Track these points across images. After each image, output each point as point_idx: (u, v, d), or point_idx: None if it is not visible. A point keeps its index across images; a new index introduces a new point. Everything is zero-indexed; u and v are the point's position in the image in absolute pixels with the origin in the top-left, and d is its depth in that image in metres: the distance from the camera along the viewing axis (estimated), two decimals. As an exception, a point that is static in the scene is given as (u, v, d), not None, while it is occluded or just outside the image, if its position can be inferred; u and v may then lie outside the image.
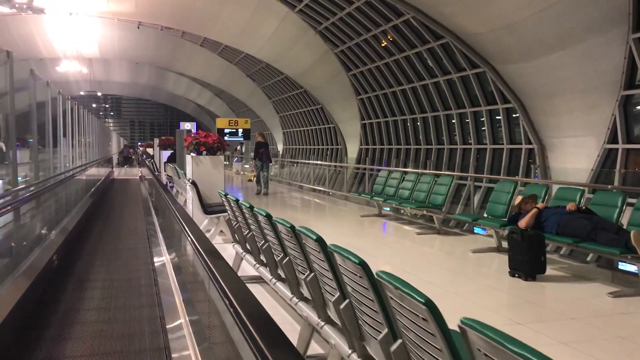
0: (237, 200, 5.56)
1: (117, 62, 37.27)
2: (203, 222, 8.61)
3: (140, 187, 19.79)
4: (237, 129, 20.62)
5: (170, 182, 16.19)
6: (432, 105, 18.22)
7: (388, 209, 12.32)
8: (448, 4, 13.57)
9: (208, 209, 8.61)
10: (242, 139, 20.75)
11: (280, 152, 35.48)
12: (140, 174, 24.93)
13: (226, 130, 20.48)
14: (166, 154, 19.74)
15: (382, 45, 18.58)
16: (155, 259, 7.53)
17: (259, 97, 34.19)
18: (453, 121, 17.59)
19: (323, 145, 28.96)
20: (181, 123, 24.11)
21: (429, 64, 17.24)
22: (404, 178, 11.48)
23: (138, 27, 26.98)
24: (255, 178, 17.84)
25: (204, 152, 9.59)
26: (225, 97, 42.22)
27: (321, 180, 21.49)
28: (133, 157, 49.89)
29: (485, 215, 8.56)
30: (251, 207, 4.88)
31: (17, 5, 15.23)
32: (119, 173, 32.28)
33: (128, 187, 21.67)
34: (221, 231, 8.64)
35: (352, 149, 25.04)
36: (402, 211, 11.86)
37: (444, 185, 9.99)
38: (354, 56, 20.54)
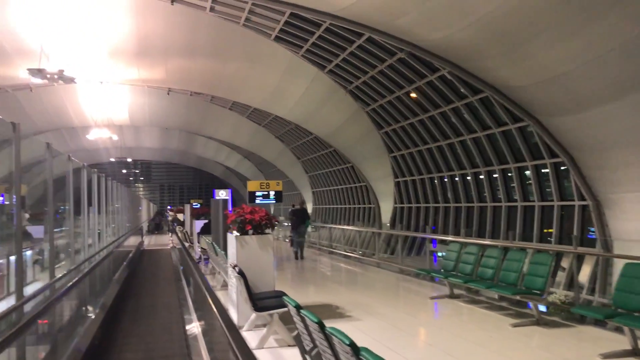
0: (299, 309, 4.63)
1: (147, 128, 37.70)
2: (250, 316, 7.40)
3: (171, 257, 19.18)
4: (268, 192, 20.08)
5: (204, 256, 15.47)
6: (471, 162, 17.48)
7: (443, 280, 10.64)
8: (487, 58, 13.05)
9: (258, 303, 7.18)
10: (274, 201, 20.17)
11: (310, 212, 34.89)
12: (171, 244, 24.38)
13: (257, 193, 19.95)
14: (199, 223, 19.08)
15: (415, 100, 18.12)
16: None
17: (287, 157, 33.94)
18: (495, 175, 16.79)
19: (354, 204, 28.26)
20: (215, 191, 23.55)
21: (466, 119, 16.63)
22: (482, 253, 9.93)
23: (168, 94, 27.19)
24: (290, 241, 17.18)
25: (250, 231, 8.28)
26: (254, 159, 42.18)
27: (352, 242, 20.66)
28: (163, 223, 49.82)
29: (612, 307, 6.98)
30: (321, 325, 3.97)
31: (48, 76, 15.25)
32: (149, 242, 31.84)
33: (159, 259, 21.03)
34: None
35: (386, 207, 24.28)
36: (478, 291, 10.21)
37: (542, 265, 8.38)
38: (385, 114, 20.09)
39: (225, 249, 9.93)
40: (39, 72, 15.06)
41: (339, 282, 13.56)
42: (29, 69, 15.42)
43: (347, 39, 16.54)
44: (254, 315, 7.19)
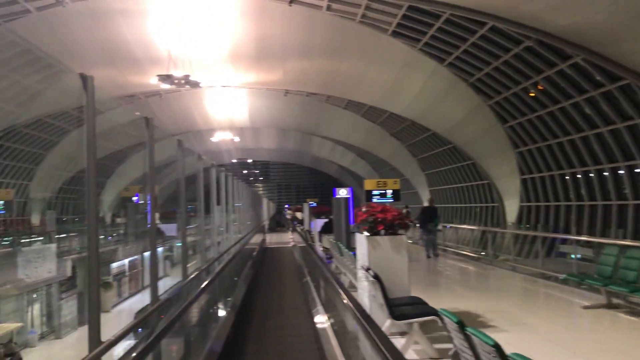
0: (463, 327, 4.10)
1: (265, 130, 38.82)
2: (384, 322, 6.68)
3: (294, 256, 19.32)
4: (385, 190, 19.71)
5: (327, 255, 15.43)
6: (609, 156, 15.99)
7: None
8: (629, 40, 11.82)
9: (395, 310, 6.53)
10: (392, 200, 19.76)
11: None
12: (292, 242, 24.75)
13: (374, 192, 19.66)
14: (320, 222, 19.12)
15: (543, 91, 16.90)
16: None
17: (403, 155, 33.34)
18: (637, 170, 15.21)
19: (475, 203, 27.10)
20: (336, 189, 23.55)
21: (603, 109, 15.21)
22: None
23: (285, 95, 27.73)
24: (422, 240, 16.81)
25: (382, 232, 7.72)
26: (368, 158, 41.97)
27: (478, 243, 19.69)
28: (283, 221, 51.25)
29: None
30: (498, 348, 3.49)
31: (175, 82, 16.03)
32: (271, 240, 32.64)
33: (282, 257, 21.29)
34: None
35: (511, 206, 22.98)
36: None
37: None
38: (510, 107, 18.96)
39: (349, 248, 9.71)
40: (167, 78, 15.87)
41: (470, 287, 12.77)
42: (158, 75, 16.30)
43: (469, 29, 15.76)
44: (389, 322, 6.59)
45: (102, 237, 28.44)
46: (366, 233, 7.84)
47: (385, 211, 7.77)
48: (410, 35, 17.31)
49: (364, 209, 7.88)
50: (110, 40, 18.49)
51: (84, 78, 3.53)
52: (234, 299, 8.19)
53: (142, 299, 22.94)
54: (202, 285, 6.55)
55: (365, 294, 7.79)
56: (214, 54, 20.43)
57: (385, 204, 8.02)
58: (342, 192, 22.11)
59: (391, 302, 6.71)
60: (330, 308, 7.87)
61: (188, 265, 7.11)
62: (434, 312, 6.24)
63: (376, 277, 6.91)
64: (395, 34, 17.31)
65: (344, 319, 5.86)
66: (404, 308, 6.61)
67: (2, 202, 24.21)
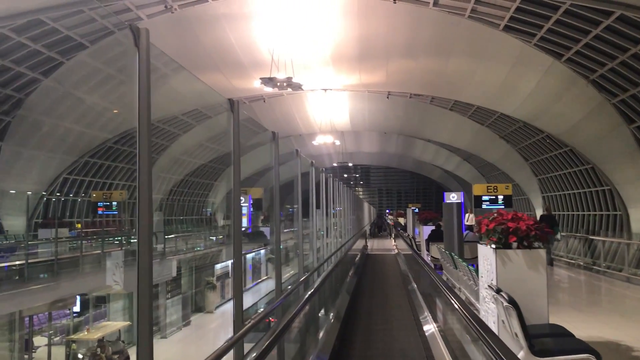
0: None
1: (366, 133, 38.42)
2: (518, 352, 5.43)
3: (398, 264, 18.43)
4: (496, 196, 18.52)
5: (436, 265, 14.55)
6: None
7: None
8: None
9: (535, 343, 5.31)
10: (502, 207, 18.51)
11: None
12: (395, 249, 23.89)
13: (484, 198, 18.53)
14: (426, 229, 18.19)
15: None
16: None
17: (513, 159, 31.47)
18: None
19: (594, 211, 24.90)
20: (445, 193, 22.50)
21: None
22: None
23: (387, 97, 27.10)
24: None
25: (514, 244, 6.52)
26: (474, 162, 40.25)
27: (612, 257, 17.87)
28: (384, 227, 50.47)
29: None
30: None
31: (278, 84, 15.96)
32: (372, 246, 31.94)
33: (385, 265, 20.46)
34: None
35: (636, 214, 20.81)
36: None
37: None
38: (639, 105, 17.10)
39: (463, 259, 8.87)
40: (270, 81, 15.85)
41: (607, 308, 11.34)
42: (261, 78, 16.33)
43: (592, 20, 14.33)
44: (522, 354, 5.38)
45: (212, 238, 29.28)
46: (493, 245, 6.71)
47: (517, 219, 6.60)
48: (524, 30, 16.08)
49: (491, 217, 6.79)
50: (215, 46, 18.85)
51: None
52: (338, 308, 7.78)
53: (245, 302, 23.25)
54: (306, 295, 6.16)
55: (491, 317, 6.76)
56: (316, 55, 20.26)
57: (505, 211, 6.90)
58: (453, 197, 20.65)
59: (534, 336, 5.54)
60: (448, 334, 6.98)
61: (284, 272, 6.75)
62: (587, 349, 5.15)
63: (512, 302, 5.75)
64: (507, 28, 16.17)
65: (463, 346, 5.12)
66: (546, 341, 5.50)
67: (115, 203, 25.54)
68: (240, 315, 3.79)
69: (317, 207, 9.82)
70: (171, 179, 34.88)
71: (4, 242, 19.61)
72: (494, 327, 6.52)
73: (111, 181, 29.45)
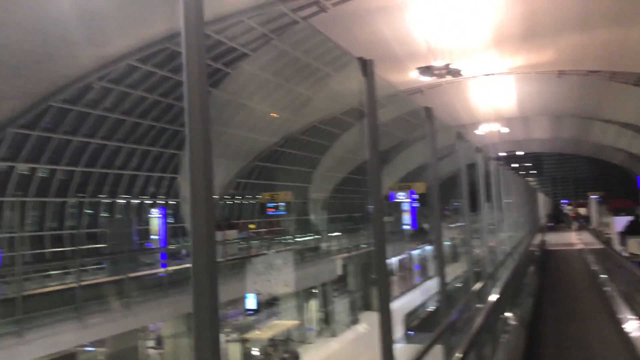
0: None
1: (536, 118, 35.77)
2: None
3: (583, 261, 16.03)
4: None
5: (634, 262, 12.70)
6: None
7: None
8: None
9: None
10: None
11: None
12: (579, 243, 21.28)
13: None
14: (619, 220, 16.01)
15: None
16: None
17: None
18: None
19: None
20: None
21: None
22: None
23: (559, 77, 24.79)
24: None
25: None
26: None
27: None
28: (563, 218, 46.54)
29: None
30: None
31: (436, 72, 15.21)
32: (550, 240, 29.04)
33: (569, 262, 18.03)
34: None
35: None
36: None
37: None
38: None
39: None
40: (427, 70, 15.21)
41: None
42: (418, 68, 15.74)
43: None
44: None
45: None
46: None
47: None
48: None
49: None
50: (370, 40, 18.56)
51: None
52: (521, 312, 6.93)
53: (412, 300, 22.65)
54: (494, 298, 5.48)
55: None
56: (476, 39, 19.08)
57: None
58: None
59: None
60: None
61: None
62: None
63: None
64: None
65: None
66: None
67: (283, 203, 26.45)
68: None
69: (487, 199, 8.97)
70: (334, 178, 35.47)
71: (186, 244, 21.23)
72: None
73: (276, 183, 30.56)
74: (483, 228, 8.92)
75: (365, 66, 3.30)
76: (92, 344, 10.77)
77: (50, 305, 9.65)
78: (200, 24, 1.97)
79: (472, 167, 7.23)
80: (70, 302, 9.85)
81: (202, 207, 1.88)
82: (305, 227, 29.41)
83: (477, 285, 5.69)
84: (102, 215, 20.47)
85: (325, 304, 17.78)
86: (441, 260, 5.89)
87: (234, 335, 13.18)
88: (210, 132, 1.95)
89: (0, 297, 10.10)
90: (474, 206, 8.20)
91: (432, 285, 25.91)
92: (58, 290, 10.85)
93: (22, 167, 16.95)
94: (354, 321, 18.67)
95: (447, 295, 5.05)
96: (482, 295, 5.56)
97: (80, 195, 19.27)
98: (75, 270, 11.41)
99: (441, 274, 5.25)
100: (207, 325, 1.84)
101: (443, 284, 5.74)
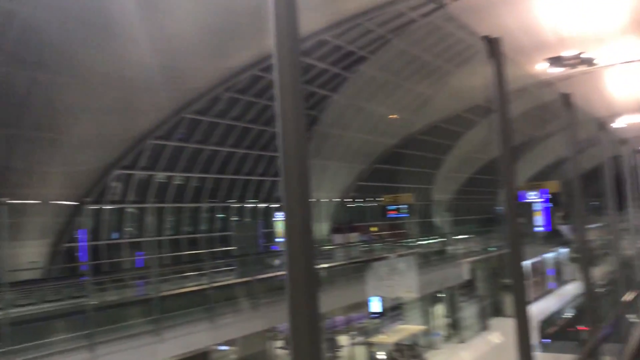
0: None
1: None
2: None
3: None
4: None
5: None
6: None
7: None
8: None
9: None
10: None
11: None
12: None
13: None
14: None
15: None
16: None
17: None
18: None
19: None
20: None
21: None
22: None
23: None
24: None
25: None
26: None
27: None
28: None
29: None
30: None
31: (566, 63, 14.11)
32: None
33: None
34: None
35: None
36: None
37: None
38: None
39: None
40: (557, 61, 14.18)
41: None
42: (547, 59, 14.73)
43: None
44: None
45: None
46: None
47: None
48: None
49: None
50: (492, 34, 17.76)
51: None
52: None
53: (547, 306, 21.26)
54: None
55: None
56: (610, 24, 17.48)
57: None
58: None
59: None
60: None
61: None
62: None
63: None
64: None
65: None
66: None
67: (405, 206, 26.01)
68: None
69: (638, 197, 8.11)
70: (458, 179, 34.33)
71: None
72: None
73: (397, 185, 30.10)
74: (631, 228, 8.09)
75: (492, 46, 3.04)
76: (223, 344, 11.18)
77: (184, 306, 10.16)
78: (295, 42, 1.87)
79: (615, 160, 6.58)
80: (203, 302, 10.32)
81: (297, 215, 1.77)
82: (428, 229, 28.74)
83: (630, 296, 5.12)
84: (232, 219, 21.49)
85: (452, 309, 17.18)
86: (586, 265, 5.39)
87: (360, 339, 13.13)
88: (304, 137, 1.84)
89: (141, 296, 10.83)
90: (620, 204, 7.45)
91: (568, 290, 24.12)
92: (191, 292, 11.40)
93: (160, 176, 18.26)
94: (483, 327, 17.86)
95: (594, 305, 4.58)
96: (636, 306, 4.98)
97: (212, 200, 20.38)
98: (207, 272, 11.93)
99: (587, 280, 4.79)
100: (306, 338, 1.71)
101: (590, 292, 5.24)
